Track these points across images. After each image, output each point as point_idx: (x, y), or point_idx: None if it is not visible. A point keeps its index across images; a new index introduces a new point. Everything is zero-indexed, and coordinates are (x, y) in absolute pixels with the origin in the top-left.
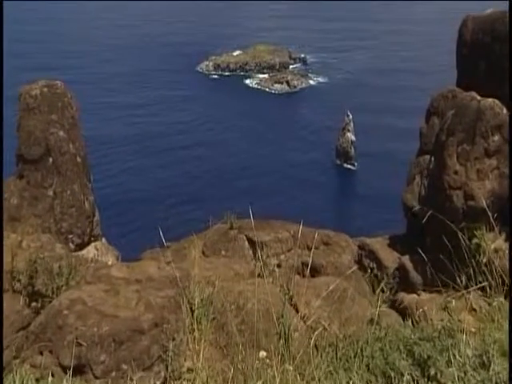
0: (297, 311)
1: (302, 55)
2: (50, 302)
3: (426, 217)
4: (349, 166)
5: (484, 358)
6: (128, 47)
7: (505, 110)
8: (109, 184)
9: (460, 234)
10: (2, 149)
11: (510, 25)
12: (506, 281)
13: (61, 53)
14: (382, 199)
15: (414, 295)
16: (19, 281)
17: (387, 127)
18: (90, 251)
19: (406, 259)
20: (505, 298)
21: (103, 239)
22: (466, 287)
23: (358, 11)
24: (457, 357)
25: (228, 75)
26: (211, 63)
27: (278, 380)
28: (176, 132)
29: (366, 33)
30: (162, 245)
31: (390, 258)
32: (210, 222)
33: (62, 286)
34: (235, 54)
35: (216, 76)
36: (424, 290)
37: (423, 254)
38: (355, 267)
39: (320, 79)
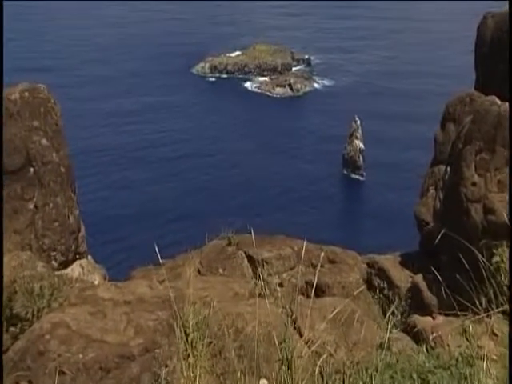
0: (300, 335)
1: (306, 56)
2: (30, 325)
3: (439, 236)
4: (357, 177)
5: None
6: (116, 47)
7: None
8: (96, 197)
9: (478, 252)
10: (2, 149)
11: (510, 25)
12: None
13: (43, 53)
14: (393, 213)
15: (429, 318)
16: None
17: (398, 134)
18: (74, 270)
19: (419, 278)
20: None
21: (89, 257)
22: (487, 310)
23: (367, 8)
24: None
25: (226, 78)
26: (207, 65)
27: None
28: (169, 141)
29: (376, 32)
30: (153, 262)
31: (402, 277)
32: (207, 238)
33: (44, 308)
34: (233, 54)
35: (213, 79)
36: (439, 313)
37: (438, 273)
38: (364, 287)
39: (325, 82)
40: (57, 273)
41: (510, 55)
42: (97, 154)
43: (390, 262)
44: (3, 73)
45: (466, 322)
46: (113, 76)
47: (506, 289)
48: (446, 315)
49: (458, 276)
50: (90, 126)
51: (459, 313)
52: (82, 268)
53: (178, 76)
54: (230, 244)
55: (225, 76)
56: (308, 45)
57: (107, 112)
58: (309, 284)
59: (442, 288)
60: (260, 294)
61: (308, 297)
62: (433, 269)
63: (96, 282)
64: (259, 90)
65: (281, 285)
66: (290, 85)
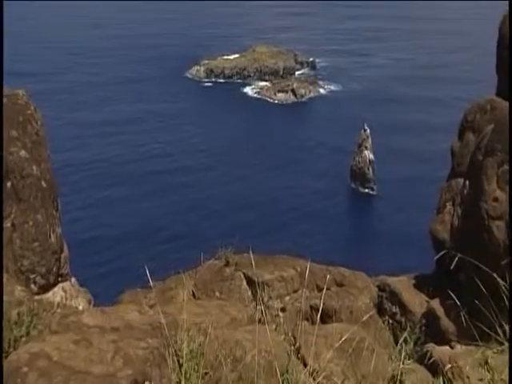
0: (304, 365)
1: (311, 59)
2: (7, 357)
3: (454, 262)
4: (366, 191)
5: None
6: (102, 50)
7: None
8: (80, 215)
9: (500, 274)
10: (2, 149)
11: (510, 25)
12: None
13: (22, 56)
14: (407, 231)
15: (446, 347)
16: None
17: (412, 145)
18: (56, 294)
19: (435, 303)
20: None
21: (73, 279)
22: (510, 339)
23: (378, 7)
24: None
25: (223, 82)
26: (203, 68)
27: None
28: (161, 154)
29: (387, 33)
30: (143, 285)
31: (417, 302)
32: (202, 258)
33: (22, 336)
34: (231, 57)
35: (209, 83)
36: (458, 341)
37: (457, 298)
38: (374, 312)
39: (332, 87)
40: (36, 297)
41: (510, 55)
42: (82, 167)
43: (403, 284)
44: (3, 73)
45: (487, 353)
46: (99, 82)
47: None
48: (466, 344)
49: (478, 301)
50: (74, 136)
51: (480, 342)
52: (65, 292)
53: (171, 81)
54: (227, 264)
55: (222, 80)
56: (313, 46)
57: (93, 121)
58: (314, 309)
59: (461, 314)
60: (260, 320)
61: (313, 323)
62: (451, 293)
63: (80, 308)
64: (259, 96)
65: (283, 309)
66: (292, 90)
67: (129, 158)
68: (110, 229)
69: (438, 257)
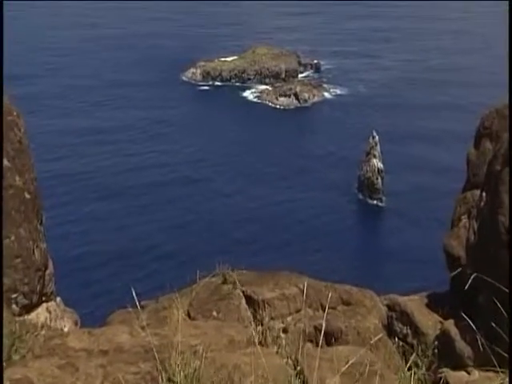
0: None
1: (315, 61)
2: None
3: (470, 281)
4: (375, 202)
5: None
6: (90, 52)
7: None
8: (68, 230)
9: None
10: (2, 149)
11: (510, 24)
12: None
13: (8, 58)
14: (419, 246)
15: (462, 373)
16: None
17: (424, 153)
18: (40, 315)
19: (450, 325)
20: None
21: (58, 299)
22: (510, 348)
23: (386, 6)
24: None
25: (220, 86)
26: (199, 70)
27: None
28: (154, 164)
29: (396, 33)
30: (135, 305)
31: (430, 323)
32: (198, 276)
33: (3, 361)
34: (229, 59)
35: (205, 87)
36: (475, 367)
37: (473, 319)
38: (383, 334)
39: (337, 91)
40: (18, 318)
41: (509, 55)
42: (69, 178)
43: (414, 303)
44: (3, 74)
45: (506, 380)
46: (86, 86)
47: None
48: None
49: (496, 323)
50: (60, 144)
51: (499, 368)
52: (49, 313)
53: (165, 84)
54: (225, 282)
55: (219, 83)
56: (317, 47)
57: (81, 128)
58: (318, 329)
59: (478, 337)
60: (260, 342)
61: (317, 345)
62: (467, 313)
63: (66, 329)
64: (259, 100)
65: (285, 330)
66: (295, 94)
67: (120, 169)
68: (99, 245)
69: (453, 275)
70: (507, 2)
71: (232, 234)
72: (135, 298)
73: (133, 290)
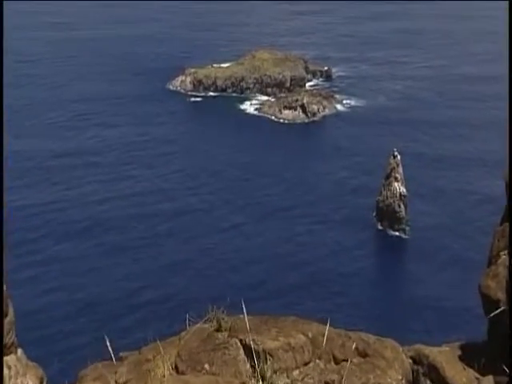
0: None
1: (325, 67)
2: None
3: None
4: (397, 234)
5: None
6: (63, 58)
7: None
8: (36, 273)
9: None
10: (2, 149)
11: (509, 24)
12: None
13: None
14: (449, 287)
15: None
16: None
17: (454, 179)
18: None
19: (488, 381)
20: None
21: (20, 352)
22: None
23: (407, 4)
24: None
25: (214, 96)
26: (189, 78)
27: None
28: (135, 193)
29: (421, 35)
30: (111, 357)
31: (464, 379)
32: (188, 321)
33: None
34: (225, 65)
35: (196, 98)
36: None
37: None
38: None
39: (352, 103)
40: None
41: (509, 55)
42: (39, 209)
43: (445, 356)
44: (3, 74)
45: None
46: (56, 99)
47: None
48: None
49: None
50: (24, 170)
51: None
52: (9, 368)
53: (149, 95)
54: (219, 329)
55: (213, 94)
56: (327, 52)
57: (48, 151)
58: None
59: None
60: None
61: None
62: (507, 368)
63: None
64: (260, 114)
65: None
66: (302, 106)
67: (95, 198)
68: (71, 290)
69: (490, 320)
70: (506, 2)
71: (229, 276)
72: (110, 348)
73: (106, 338)
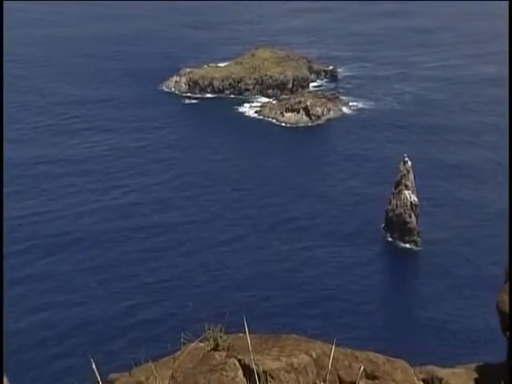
0: None
1: (330, 67)
2: None
3: None
4: (408, 246)
5: None
6: (47, 59)
7: None
8: (18, 290)
9: None
10: (2, 148)
11: (509, 24)
12: None
13: None
14: (465, 304)
15: None
16: None
17: (469, 188)
18: None
19: None
20: None
21: (5, 381)
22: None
23: (418, 1)
24: None
25: (211, 98)
26: (184, 79)
27: None
28: (126, 204)
29: (434, 34)
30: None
31: None
32: (182, 340)
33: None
34: (222, 64)
35: (192, 100)
36: None
37: None
38: None
39: (359, 105)
40: None
41: (509, 55)
42: (17, 222)
43: (460, 378)
44: (3, 74)
45: None
46: (39, 103)
47: None
48: None
49: None
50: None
51: None
52: None
53: (140, 98)
54: (217, 348)
55: (210, 96)
56: (332, 51)
57: (28, 159)
58: None
59: None
60: None
61: None
62: None
63: None
64: (261, 117)
65: None
66: (306, 109)
67: (86, 209)
68: (60, 310)
69: (509, 335)
70: (506, 2)
71: (228, 293)
72: (96, 372)
73: (93, 362)
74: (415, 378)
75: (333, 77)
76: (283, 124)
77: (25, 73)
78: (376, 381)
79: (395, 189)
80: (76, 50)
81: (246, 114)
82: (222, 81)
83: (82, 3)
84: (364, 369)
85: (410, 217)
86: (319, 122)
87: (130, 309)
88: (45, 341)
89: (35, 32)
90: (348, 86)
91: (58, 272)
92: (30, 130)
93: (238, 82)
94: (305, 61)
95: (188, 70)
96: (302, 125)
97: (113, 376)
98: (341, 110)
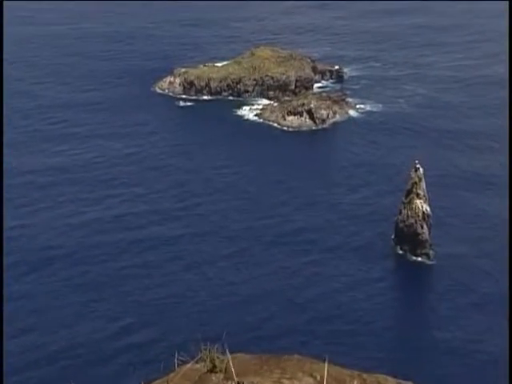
0: None
1: (336, 67)
2: None
3: None
4: (419, 259)
5: None
6: (34, 58)
7: None
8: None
9: None
10: (2, 148)
11: (509, 24)
12: None
13: None
14: (482, 325)
15: None
16: None
17: (490, 194)
18: None
19: None
20: None
21: None
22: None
23: None
24: None
25: (208, 100)
26: (179, 80)
27: None
28: (118, 217)
29: (446, 33)
30: None
31: None
32: (177, 360)
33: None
34: (220, 64)
35: (187, 102)
36: None
37: None
38: None
39: (367, 107)
40: None
41: (509, 56)
42: (6, 233)
43: None
44: (3, 74)
45: None
46: (21, 107)
47: None
48: None
49: None
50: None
51: None
52: None
53: (131, 100)
54: (213, 370)
55: (206, 98)
56: (338, 50)
57: (10, 170)
58: None
59: None
60: None
61: None
62: None
63: None
64: (261, 120)
65: None
66: (309, 111)
67: (75, 222)
68: (46, 331)
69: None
70: (506, 2)
71: (227, 313)
72: None
73: None
74: None
75: (339, 77)
76: (285, 128)
77: (12, 73)
78: None
79: (406, 198)
80: (66, 48)
81: (246, 117)
82: (220, 82)
83: (75, 1)
84: None
85: (422, 228)
86: (324, 125)
87: (121, 330)
88: (29, 364)
89: (25, 30)
90: (355, 87)
91: (44, 290)
92: (15, 135)
93: (237, 83)
94: (308, 60)
95: (183, 69)
96: (305, 129)
97: None
98: (347, 112)
